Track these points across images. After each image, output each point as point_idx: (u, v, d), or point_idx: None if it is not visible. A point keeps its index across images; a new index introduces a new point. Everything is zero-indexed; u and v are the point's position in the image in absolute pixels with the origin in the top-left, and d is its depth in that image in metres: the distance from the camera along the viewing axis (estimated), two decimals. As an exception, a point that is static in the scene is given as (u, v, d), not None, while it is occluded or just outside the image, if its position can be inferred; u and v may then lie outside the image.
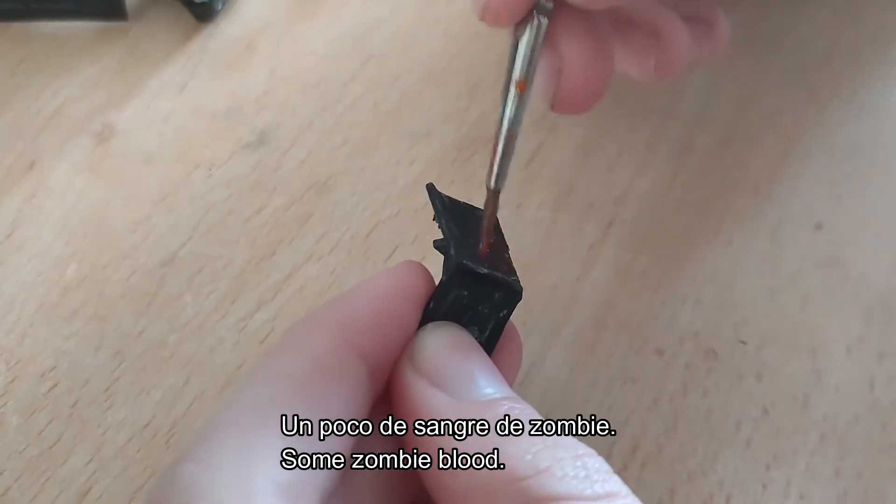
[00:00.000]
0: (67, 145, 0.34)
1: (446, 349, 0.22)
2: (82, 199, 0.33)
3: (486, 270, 0.22)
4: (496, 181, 0.25)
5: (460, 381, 0.21)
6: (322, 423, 0.19)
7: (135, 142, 0.35)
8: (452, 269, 0.22)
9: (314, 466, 0.19)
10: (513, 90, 0.25)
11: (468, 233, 0.24)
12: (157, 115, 0.35)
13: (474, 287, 0.23)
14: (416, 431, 0.20)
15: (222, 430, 0.19)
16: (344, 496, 0.21)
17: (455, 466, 0.19)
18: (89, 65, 0.37)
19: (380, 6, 0.39)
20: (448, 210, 0.24)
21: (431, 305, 0.23)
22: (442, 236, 0.24)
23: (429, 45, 0.38)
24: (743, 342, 0.30)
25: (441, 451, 0.20)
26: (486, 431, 0.19)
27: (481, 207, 0.25)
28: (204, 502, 0.17)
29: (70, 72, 0.37)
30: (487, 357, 0.22)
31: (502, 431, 0.19)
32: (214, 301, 0.31)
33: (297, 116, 0.35)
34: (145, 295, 0.31)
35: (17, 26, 0.38)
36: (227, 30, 0.38)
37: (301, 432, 0.19)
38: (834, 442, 0.29)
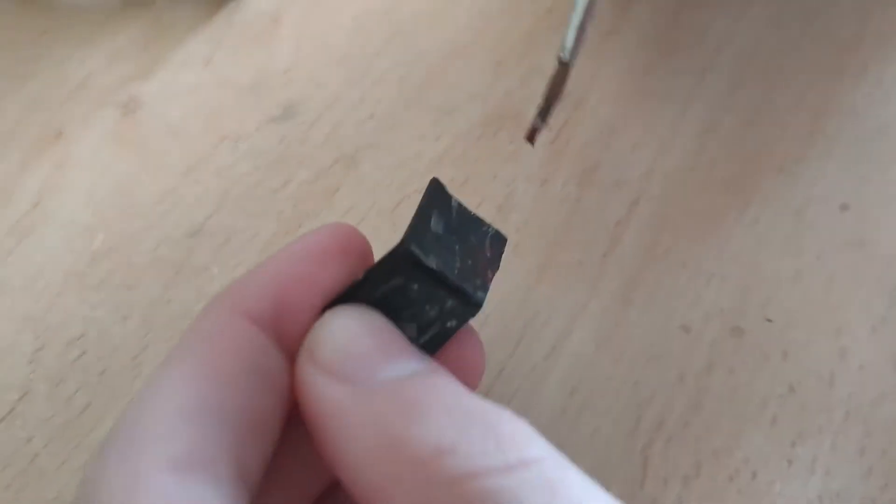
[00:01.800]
0: (93, 116, 0.35)
1: (345, 336, 0.19)
2: (109, 169, 0.33)
3: (436, 268, 0.20)
4: (568, 53, 0.23)
5: (364, 365, 0.19)
6: (208, 388, 0.18)
7: (161, 114, 0.35)
8: (395, 251, 0.20)
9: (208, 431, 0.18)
10: None
11: (457, 237, 0.21)
12: (182, 88, 0.35)
13: (423, 281, 0.20)
14: (316, 431, 0.19)
15: (117, 425, 0.18)
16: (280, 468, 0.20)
17: (355, 461, 0.18)
18: (114, 36, 0.37)
19: (405, -18, 0.39)
20: (445, 210, 0.22)
21: (361, 284, 0.20)
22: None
23: (454, 22, 0.37)
24: (769, 320, 0.30)
25: (338, 445, 0.18)
26: (386, 418, 0.18)
27: (490, 224, 0.23)
28: (95, 492, 0.17)
29: (94, 43, 0.37)
30: (398, 335, 0.20)
31: (406, 415, 0.18)
32: (241, 272, 0.31)
33: (323, 91, 0.35)
34: (172, 265, 0.31)
35: (43, -3, 0.38)
36: (252, 3, 0.38)
37: (188, 403, 0.18)
38: (859, 420, 0.29)
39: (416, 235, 0.20)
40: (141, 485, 0.16)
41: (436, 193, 0.22)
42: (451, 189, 0.31)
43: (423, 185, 0.33)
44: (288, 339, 0.20)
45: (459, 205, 0.22)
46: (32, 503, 0.27)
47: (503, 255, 0.23)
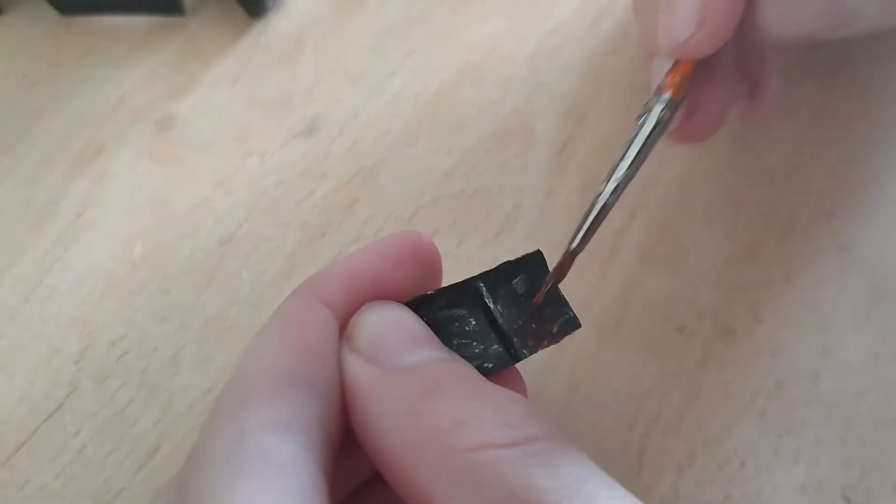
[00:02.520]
0: (131, 133, 0.37)
1: (379, 325, 0.22)
2: (146, 182, 0.36)
3: (496, 314, 0.23)
4: (577, 244, 0.26)
5: (392, 352, 0.21)
6: (300, 361, 0.21)
7: (193, 130, 0.37)
8: (468, 280, 0.23)
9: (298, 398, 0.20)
10: (621, 170, 0.27)
11: (538, 312, 0.24)
12: (213, 106, 0.38)
13: (481, 321, 0.23)
14: (350, 406, 0.21)
15: (224, 391, 0.21)
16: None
17: (383, 432, 0.20)
18: (149, 58, 0.39)
19: (418, 3, 0.41)
20: (535, 279, 0.24)
21: (432, 298, 0.23)
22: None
23: (465, 42, 0.40)
24: (759, 321, 0.33)
25: (369, 420, 0.21)
26: (411, 395, 0.20)
27: (572, 310, 0.25)
28: (206, 445, 0.19)
29: (131, 64, 0.39)
30: (424, 328, 0.23)
31: (426, 393, 0.20)
32: (270, 277, 0.34)
33: (344, 107, 0.38)
34: (206, 271, 0.34)
35: (81, 20, 0.40)
36: (277, 26, 0.40)
37: (284, 373, 0.20)
38: (841, 414, 0.31)
39: (491, 279, 0.23)
40: (245, 441, 0.19)
41: (534, 263, 0.25)
42: (463, 199, 0.34)
43: (437, 195, 0.36)
44: None
45: (555, 285, 0.25)
46: (80, 492, 0.30)
47: (566, 337, 0.25)
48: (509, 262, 0.24)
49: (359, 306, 0.23)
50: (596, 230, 0.26)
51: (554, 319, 0.24)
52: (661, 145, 0.37)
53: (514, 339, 0.23)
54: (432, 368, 0.21)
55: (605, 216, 0.26)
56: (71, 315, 0.33)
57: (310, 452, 0.19)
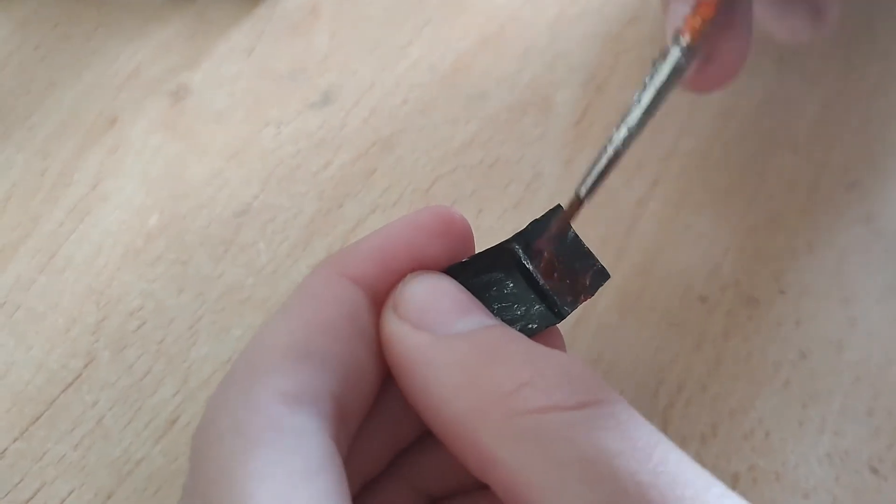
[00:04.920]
0: (145, 104, 0.37)
1: (426, 294, 0.22)
2: (160, 153, 0.36)
3: (534, 272, 0.23)
4: (586, 190, 0.25)
5: (441, 319, 0.21)
6: (315, 336, 0.20)
7: (207, 101, 0.37)
8: (502, 244, 0.23)
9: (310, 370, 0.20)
10: (635, 117, 0.26)
11: (566, 265, 0.24)
12: (227, 77, 0.38)
13: (519, 281, 0.23)
14: (400, 374, 0.21)
15: (236, 363, 0.21)
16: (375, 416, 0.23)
17: (441, 398, 0.20)
18: (161, 29, 0.39)
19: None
20: (559, 235, 0.24)
21: (468, 265, 0.23)
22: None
23: (482, 11, 0.39)
24: (782, 291, 0.32)
25: (425, 386, 0.20)
26: (468, 359, 0.20)
27: (599, 261, 0.24)
28: (218, 416, 0.19)
29: (144, 36, 0.39)
30: (469, 296, 0.22)
31: (484, 356, 0.20)
32: (287, 248, 0.33)
33: (359, 78, 0.37)
34: (222, 242, 0.33)
35: (93, -8, 0.40)
36: (290, -4, 0.40)
37: (297, 347, 0.20)
38: (867, 383, 0.31)
39: (523, 239, 0.23)
40: (257, 411, 0.19)
41: (555, 219, 0.24)
42: (481, 169, 0.33)
43: (456, 165, 0.35)
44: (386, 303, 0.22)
45: (575, 236, 0.24)
46: (99, 461, 0.30)
47: (600, 289, 0.24)
48: (536, 220, 0.24)
49: (392, 280, 0.22)
50: (606, 177, 0.25)
51: (584, 272, 0.24)
52: (682, 114, 0.36)
53: (556, 297, 0.23)
54: (486, 333, 0.21)
55: (616, 163, 0.25)
56: (87, 286, 0.33)
57: (321, 424, 0.19)
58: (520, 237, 0.23)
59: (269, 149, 0.36)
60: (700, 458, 0.29)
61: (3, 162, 0.35)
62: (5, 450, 0.30)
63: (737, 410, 0.30)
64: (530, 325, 0.23)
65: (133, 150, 0.36)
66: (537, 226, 0.24)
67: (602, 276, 0.24)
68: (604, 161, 0.25)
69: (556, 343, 0.24)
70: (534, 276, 0.23)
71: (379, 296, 0.22)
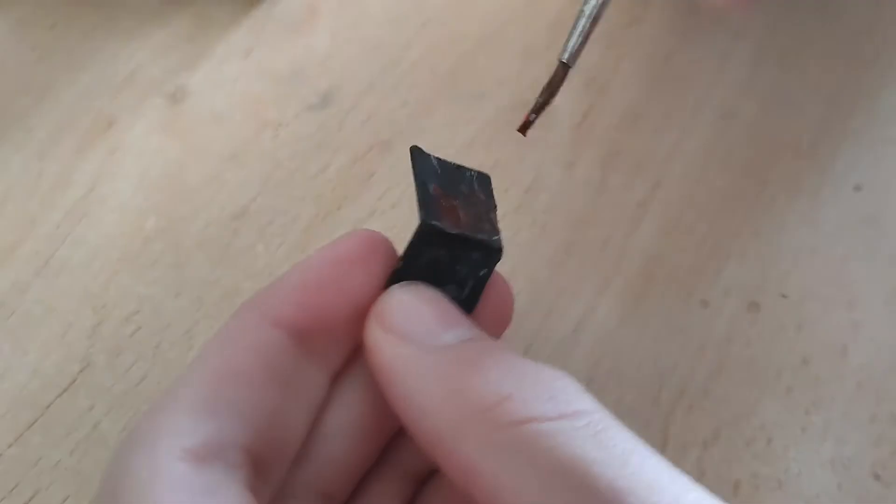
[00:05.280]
0: (142, 106, 0.37)
1: (411, 303, 0.22)
2: (158, 156, 0.35)
3: (456, 231, 0.22)
4: (568, 55, 0.25)
5: (426, 331, 0.21)
6: (224, 387, 0.21)
7: (205, 103, 0.37)
8: (421, 229, 0.22)
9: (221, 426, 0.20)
10: None
11: (453, 192, 0.24)
12: (225, 78, 0.37)
13: (448, 246, 0.23)
14: (385, 384, 0.21)
15: (141, 418, 0.21)
16: (313, 452, 0.22)
17: (425, 410, 0.20)
18: (159, 30, 0.39)
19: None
20: (432, 171, 0.24)
21: (402, 265, 0.23)
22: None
23: (483, 11, 0.39)
24: (784, 295, 0.32)
25: (409, 398, 0.20)
26: (452, 372, 0.20)
27: (471, 168, 0.25)
28: (121, 477, 0.19)
29: (142, 37, 0.38)
30: (454, 307, 0.23)
31: (467, 369, 0.20)
32: (285, 251, 0.33)
33: (359, 79, 0.37)
34: (220, 245, 0.33)
35: (90, -8, 0.40)
36: (289, -4, 0.40)
37: (204, 399, 0.20)
38: (870, 389, 0.30)
39: (428, 208, 0.22)
40: (159, 472, 0.19)
41: (420, 159, 0.24)
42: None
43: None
44: (315, 340, 0.22)
45: (439, 160, 0.24)
46: (95, 467, 0.29)
47: (494, 192, 0.25)
48: (416, 182, 0.23)
49: (318, 317, 0.22)
50: (587, 41, 0.25)
51: (472, 190, 0.24)
52: (684, 116, 0.36)
53: (479, 237, 0.23)
54: (469, 346, 0.21)
55: (595, 25, 0.25)
56: (83, 289, 0.32)
57: (233, 477, 0.19)
58: (425, 209, 0.23)
59: (268, 151, 0.35)
60: (701, 465, 0.29)
61: (0, 164, 0.35)
62: (0, 455, 0.29)
63: (739, 416, 0.30)
64: (481, 273, 0.23)
65: (131, 152, 0.35)
66: (422, 184, 0.23)
67: (485, 180, 0.25)
68: (582, 23, 0.25)
69: (503, 289, 0.24)
70: (457, 234, 0.22)
71: (304, 335, 0.22)
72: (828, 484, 0.29)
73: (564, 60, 0.24)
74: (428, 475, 0.24)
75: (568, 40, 0.24)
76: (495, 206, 0.25)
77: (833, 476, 0.29)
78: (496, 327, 0.24)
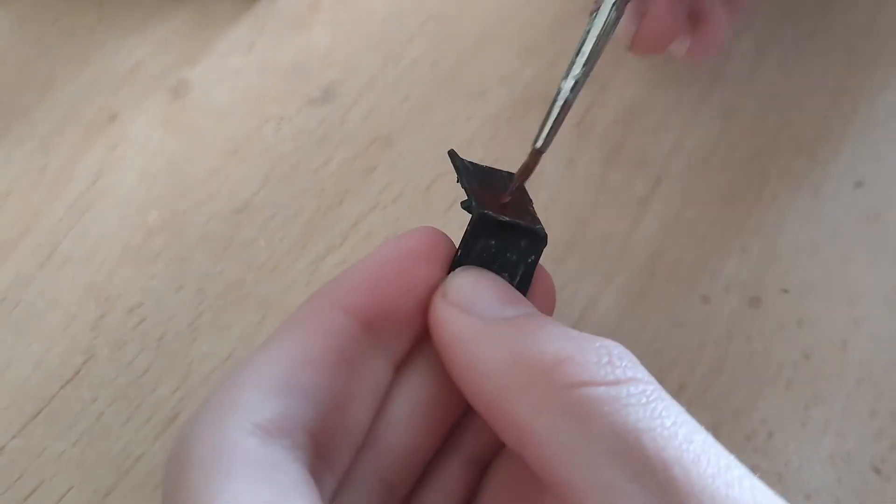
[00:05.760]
0: (145, 100, 0.37)
1: (474, 281, 0.23)
2: (160, 150, 0.35)
3: (507, 219, 0.24)
4: (542, 142, 0.26)
5: (487, 305, 0.22)
6: (296, 369, 0.21)
7: (207, 97, 0.37)
8: (475, 219, 0.24)
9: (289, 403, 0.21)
10: (578, 66, 0.27)
11: (492, 190, 0.25)
12: (227, 73, 0.37)
13: (499, 235, 0.24)
14: (448, 354, 0.22)
15: (212, 393, 0.21)
16: (376, 440, 0.23)
17: (485, 375, 0.21)
18: (161, 25, 0.39)
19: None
20: (470, 172, 0.26)
21: (459, 255, 0.24)
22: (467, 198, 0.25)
23: (484, 8, 0.39)
24: (785, 291, 0.32)
25: (470, 364, 0.21)
26: (512, 339, 0.21)
27: (502, 169, 0.27)
28: (190, 447, 0.19)
29: (144, 31, 0.39)
30: (512, 287, 0.24)
31: (527, 336, 0.21)
32: (287, 245, 0.33)
33: (360, 74, 0.37)
34: (222, 239, 0.33)
35: (93, -13, 0.40)
36: (292, -9, 0.40)
37: (275, 379, 0.21)
38: (870, 385, 0.31)
39: (478, 201, 0.24)
40: (228, 443, 0.19)
41: (460, 162, 0.26)
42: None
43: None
44: (381, 329, 0.23)
45: (472, 163, 0.26)
46: (98, 458, 0.29)
47: (525, 187, 0.26)
48: (462, 181, 0.25)
49: (384, 309, 0.23)
50: (559, 127, 0.26)
51: (506, 187, 0.26)
52: (685, 113, 0.36)
53: (525, 225, 0.24)
54: (529, 318, 0.22)
55: (566, 113, 0.27)
56: (87, 282, 0.32)
57: (295, 456, 0.20)
58: (478, 202, 0.24)
59: (270, 145, 0.35)
60: (702, 459, 0.29)
61: (4, 157, 0.35)
62: (4, 446, 0.29)
63: (739, 411, 0.30)
64: (529, 260, 0.25)
65: (133, 146, 0.35)
66: (466, 181, 0.25)
67: (513, 178, 0.26)
68: (555, 113, 0.26)
69: (546, 279, 0.25)
70: (502, 221, 0.24)
71: (372, 324, 0.23)
72: (828, 478, 0.29)
73: (538, 148, 0.26)
74: (488, 463, 0.25)
75: (542, 129, 0.26)
76: (531, 200, 0.26)
77: (833, 470, 0.29)
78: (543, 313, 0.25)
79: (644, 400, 0.19)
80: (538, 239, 0.25)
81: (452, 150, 0.26)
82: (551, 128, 0.26)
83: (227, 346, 0.31)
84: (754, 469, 0.29)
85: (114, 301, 0.32)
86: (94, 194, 0.34)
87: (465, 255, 0.24)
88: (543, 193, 0.34)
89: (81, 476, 0.29)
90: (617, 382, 0.19)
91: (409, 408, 0.24)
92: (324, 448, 0.21)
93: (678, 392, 0.30)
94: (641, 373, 0.20)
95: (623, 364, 0.20)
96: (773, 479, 0.29)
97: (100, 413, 0.30)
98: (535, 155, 0.26)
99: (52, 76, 0.37)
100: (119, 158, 0.35)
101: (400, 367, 0.24)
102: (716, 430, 0.30)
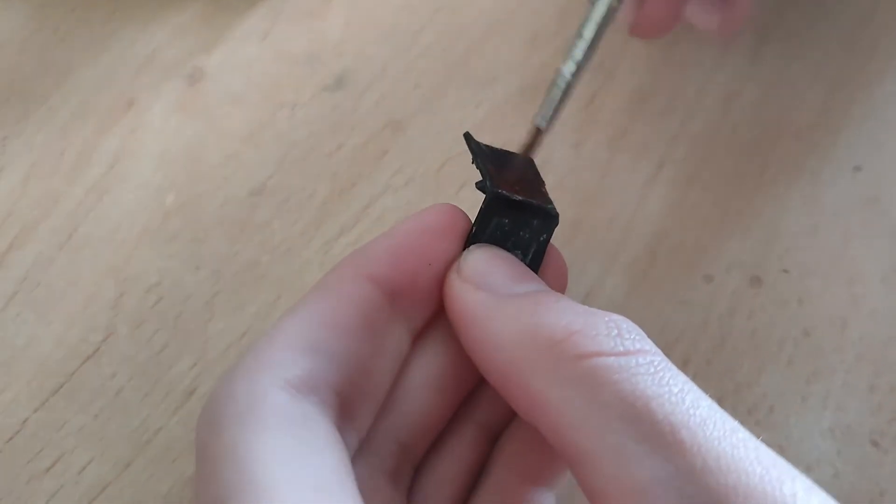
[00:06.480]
0: (162, 87, 0.37)
1: (487, 259, 0.24)
2: (177, 135, 0.36)
3: (520, 198, 0.25)
4: (540, 119, 0.28)
5: (500, 282, 0.23)
6: (324, 331, 0.22)
7: (223, 84, 0.38)
8: (490, 198, 0.25)
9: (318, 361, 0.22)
10: (580, 49, 0.28)
11: (506, 171, 0.26)
12: (242, 60, 0.38)
13: (512, 213, 0.25)
14: (461, 327, 0.23)
15: (245, 353, 0.22)
16: (395, 404, 0.24)
17: (499, 347, 0.22)
18: (177, 13, 0.40)
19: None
20: (485, 154, 0.27)
21: (474, 232, 0.25)
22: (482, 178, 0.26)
23: (492, -2, 0.40)
24: (786, 271, 0.33)
25: (484, 337, 0.22)
26: (525, 312, 0.22)
27: (515, 151, 0.28)
28: (224, 402, 0.21)
29: (160, 20, 0.39)
30: (524, 265, 0.25)
31: (539, 310, 0.22)
32: (301, 227, 0.34)
33: (372, 62, 0.38)
34: (238, 221, 0.34)
35: (110, -22, 0.41)
36: (304, -18, 0.41)
37: (305, 340, 0.22)
38: (869, 361, 0.31)
39: (492, 180, 0.25)
40: (261, 398, 0.20)
41: (475, 144, 0.27)
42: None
43: (465, 149, 0.36)
44: (402, 299, 0.24)
45: (488, 146, 0.27)
46: (118, 431, 0.30)
47: (537, 169, 0.27)
48: (478, 161, 0.26)
49: (404, 279, 0.24)
50: (562, 109, 0.28)
51: (519, 169, 0.27)
52: (689, 98, 0.37)
53: (538, 203, 0.25)
54: (540, 294, 0.23)
55: (568, 95, 0.28)
56: (106, 263, 0.33)
57: (322, 411, 0.21)
58: (492, 182, 0.25)
59: (284, 131, 0.36)
60: (705, 432, 0.30)
61: (24, 142, 0.36)
62: (27, 420, 0.30)
63: (742, 386, 0.31)
64: (541, 238, 0.25)
65: (150, 131, 0.36)
66: (482, 162, 0.26)
67: (529, 161, 0.27)
68: (557, 94, 0.28)
69: (558, 258, 0.26)
70: (522, 201, 0.25)
71: (394, 293, 0.24)
72: (827, 450, 0.30)
73: (540, 126, 0.28)
74: (500, 432, 0.26)
75: (543, 107, 0.28)
76: (543, 182, 0.27)
77: (833, 443, 0.30)
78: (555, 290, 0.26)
79: (652, 370, 0.20)
80: (550, 218, 0.26)
81: (468, 132, 0.27)
82: (551, 107, 0.28)
83: (243, 325, 0.32)
84: (756, 441, 0.29)
85: (132, 281, 0.33)
86: (113, 178, 0.35)
87: (480, 232, 0.25)
88: (551, 176, 0.35)
89: (101, 449, 0.30)
90: (626, 353, 0.20)
91: (426, 376, 0.25)
92: (348, 408, 0.22)
93: (682, 367, 0.31)
94: (649, 345, 0.21)
95: (632, 336, 0.21)
96: (774, 451, 0.29)
97: (119, 388, 0.31)
98: (535, 133, 0.27)
99: (71, 63, 0.38)
100: (137, 143, 0.36)
101: (418, 338, 0.25)
102: (719, 403, 0.30)
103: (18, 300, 0.33)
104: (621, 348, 0.20)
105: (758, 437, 0.30)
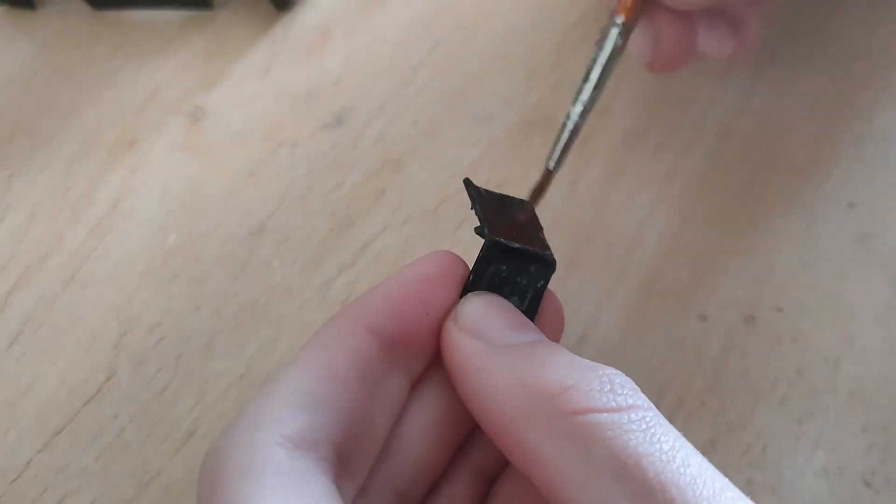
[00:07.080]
0: (163, 124, 0.38)
1: (484, 307, 0.24)
2: (178, 173, 0.37)
3: (518, 245, 0.25)
4: (554, 163, 0.29)
5: (497, 332, 0.23)
6: (322, 385, 0.22)
7: (224, 122, 0.38)
8: (487, 245, 0.25)
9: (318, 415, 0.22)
10: (586, 92, 0.29)
11: (504, 217, 0.27)
12: (243, 98, 0.39)
13: (509, 260, 0.25)
14: (458, 377, 0.23)
15: (244, 408, 0.22)
16: (392, 453, 0.24)
17: (493, 399, 0.22)
18: (179, 50, 0.40)
19: (443, -4, 0.42)
20: (484, 199, 0.27)
21: (471, 279, 0.25)
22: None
23: (490, 35, 0.41)
24: (779, 309, 0.33)
25: (480, 388, 0.23)
26: (520, 365, 0.22)
27: (515, 196, 0.28)
28: (222, 458, 0.21)
29: (162, 57, 0.40)
30: (520, 313, 0.25)
31: (534, 363, 0.22)
32: (300, 266, 0.34)
33: (371, 99, 0.39)
34: (238, 260, 0.35)
35: (112, 14, 0.41)
36: (304, 18, 0.41)
37: (302, 395, 0.22)
38: (862, 400, 0.32)
39: (490, 227, 0.25)
40: (259, 454, 0.21)
41: (474, 190, 0.27)
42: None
43: (463, 187, 0.36)
44: (401, 348, 0.24)
45: (486, 190, 0.27)
46: (120, 473, 0.31)
47: (536, 214, 0.28)
48: (476, 208, 0.26)
49: (404, 330, 0.24)
50: (570, 150, 0.29)
51: (517, 213, 0.28)
52: (684, 135, 0.37)
53: (535, 251, 0.26)
54: (536, 346, 0.23)
55: (576, 136, 0.29)
56: (108, 302, 0.34)
57: (321, 468, 0.21)
58: (490, 229, 0.26)
59: (284, 169, 0.37)
60: (699, 472, 0.30)
61: (29, 181, 0.37)
62: (30, 461, 0.31)
63: (735, 425, 0.31)
64: (538, 285, 0.26)
65: (152, 170, 0.37)
66: (480, 209, 0.26)
67: (527, 205, 0.28)
68: (566, 136, 0.29)
69: (555, 303, 0.27)
70: (519, 248, 0.25)
71: (393, 343, 0.24)
72: (820, 490, 0.30)
73: (550, 167, 0.29)
74: (496, 477, 0.26)
75: (553, 151, 0.29)
76: (541, 227, 0.28)
77: (825, 483, 0.30)
78: (552, 336, 0.26)
79: (644, 426, 0.20)
80: (547, 265, 0.26)
81: (468, 178, 0.27)
82: (562, 150, 0.29)
83: (242, 365, 0.32)
84: (749, 482, 0.30)
85: (134, 321, 0.33)
86: (115, 217, 0.36)
87: (477, 279, 0.25)
88: (547, 213, 0.35)
89: (103, 489, 0.30)
90: (618, 409, 0.21)
91: (423, 423, 0.25)
92: (345, 459, 0.22)
93: (676, 407, 0.32)
94: (642, 400, 0.21)
95: (624, 392, 0.21)
96: (766, 491, 0.30)
97: (121, 429, 0.31)
98: (548, 176, 0.29)
99: (74, 101, 0.39)
100: (139, 182, 0.37)
101: (415, 384, 0.25)
102: (712, 443, 0.31)
103: (23, 340, 0.33)
104: (614, 404, 0.21)
105: (751, 478, 0.30)
